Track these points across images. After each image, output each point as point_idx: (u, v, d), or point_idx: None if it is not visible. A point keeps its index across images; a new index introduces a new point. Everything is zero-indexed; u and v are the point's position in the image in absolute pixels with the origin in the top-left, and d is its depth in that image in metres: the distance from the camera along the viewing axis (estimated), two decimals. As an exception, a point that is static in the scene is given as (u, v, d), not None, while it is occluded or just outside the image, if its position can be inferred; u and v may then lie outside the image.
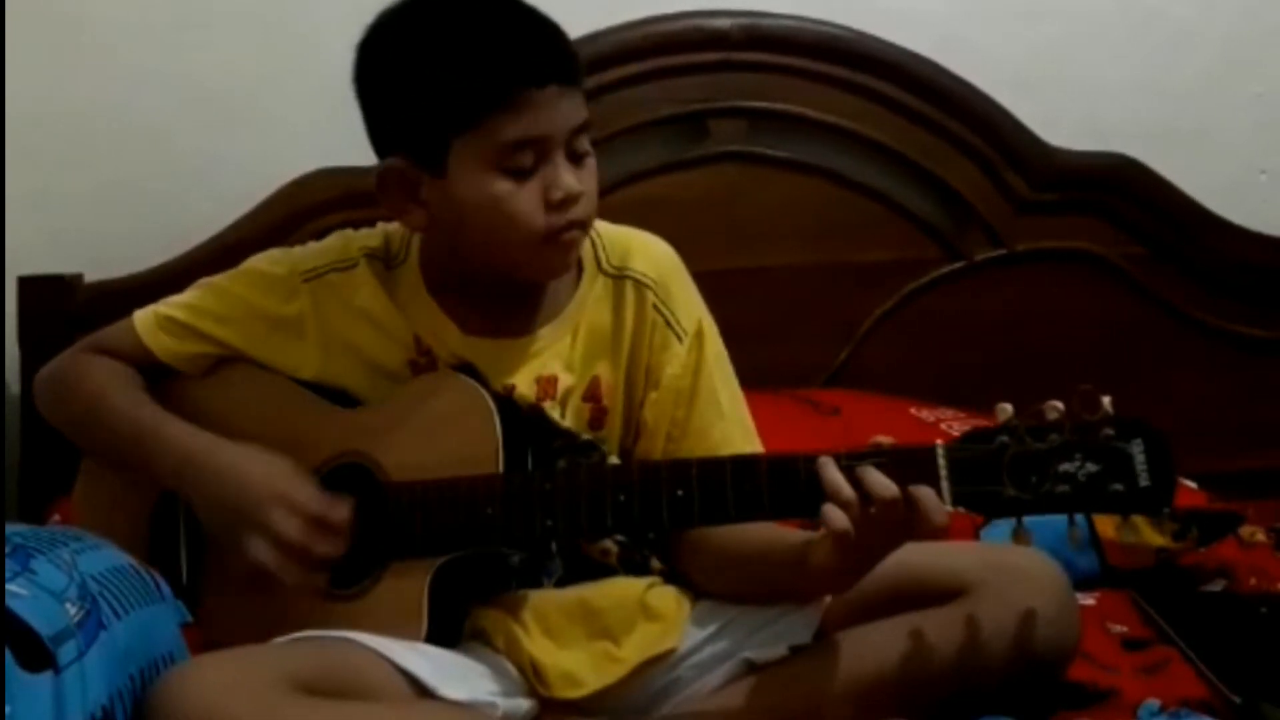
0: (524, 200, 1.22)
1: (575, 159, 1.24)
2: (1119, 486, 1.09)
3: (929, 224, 2.02)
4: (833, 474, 1.12)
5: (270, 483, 1.24)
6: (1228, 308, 2.02)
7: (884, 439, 1.15)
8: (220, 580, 1.32)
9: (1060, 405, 1.11)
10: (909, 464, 1.12)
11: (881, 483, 1.11)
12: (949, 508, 1.11)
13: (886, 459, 1.12)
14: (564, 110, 1.22)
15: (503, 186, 1.21)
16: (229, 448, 1.28)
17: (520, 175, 1.21)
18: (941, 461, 1.12)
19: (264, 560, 1.21)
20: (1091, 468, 1.10)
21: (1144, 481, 1.09)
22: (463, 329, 1.32)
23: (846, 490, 1.11)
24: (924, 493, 1.10)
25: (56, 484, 1.70)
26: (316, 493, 1.24)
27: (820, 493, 1.12)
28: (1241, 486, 1.82)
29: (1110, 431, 1.10)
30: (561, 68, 1.23)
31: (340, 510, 1.24)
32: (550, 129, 1.21)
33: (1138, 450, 1.10)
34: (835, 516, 1.11)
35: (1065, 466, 1.10)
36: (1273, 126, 2.07)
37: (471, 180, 1.22)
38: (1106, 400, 1.10)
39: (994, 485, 1.11)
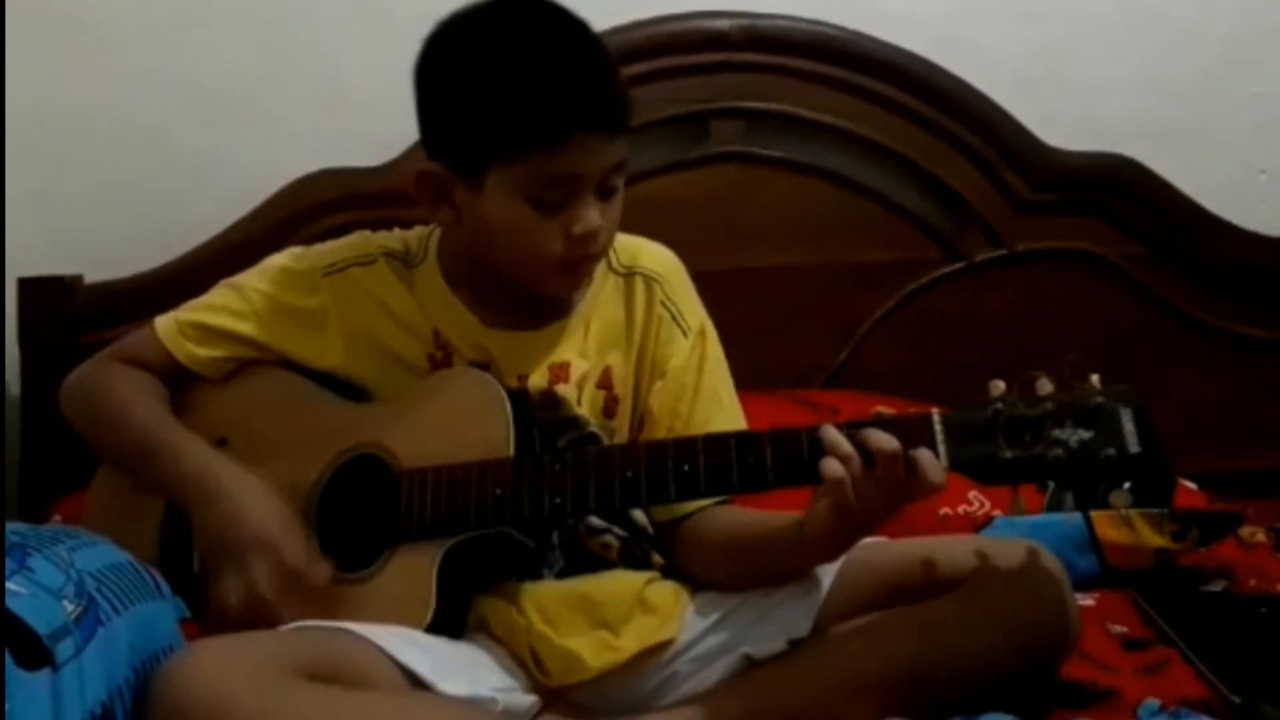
0: (546, 231, 1.26)
1: (605, 193, 1.28)
2: (1110, 451, 1.11)
3: (929, 224, 2.02)
4: (833, 432, 1.15)
5: (263, 526, 1.26)
6: (1228, 308, 2.02)
7: (884, 410, 1.17)
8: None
9: (1051, 378, 1.13)
10: (906, 430, 1.15)
11: (883, 438, 1.13)
12: (945, 467, 1.13)
13: (885, 427, 1.15)
14: (605, 154, 1.26)
15: (530, 215, 1.26)
16: (235, 477, 1.29)
17: (548, 208, 1.25)
18: (938, 426, 1.15)
19: (230, 602, 1.23)
20: (1084, 434, 1.12)
21: (1134, 448, 1.11)
22: (481, 322, 1.35)
23: (845, 445, 1.14)
24: (922, 453, 1.13)
25: (57, 484, 1.71)
26: (304, 547, 1.26)
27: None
28: (1241, 486, 1.81)
29: (1100, 399, 1.12)
30: (611, 117, 1.26)
31: (321, 572, 1.26)
32: (587, 171, 1.25)
33: (1127, 417, 1.12)
34: (833, 466, 1.14)
35: (1058, 432, 1.12)
36: (1272, 126, 2.07)
37: (502, 203, 1.26)
38: (1095, 377, 1.13)
39: (989, 447, 1.13)
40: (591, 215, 1.25)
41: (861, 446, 1.14)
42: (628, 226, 1.45)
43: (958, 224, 2.03)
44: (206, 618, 1.27)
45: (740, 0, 2.00)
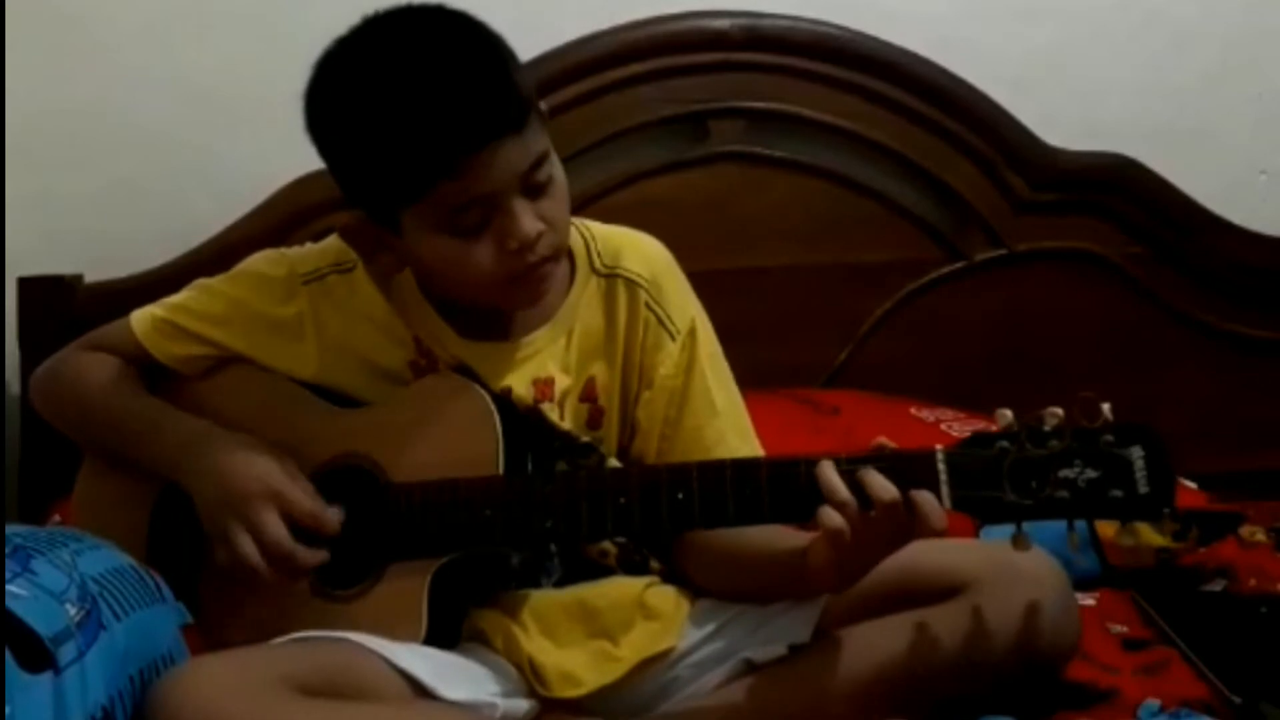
0: (479, 256, 1.20)
1: (536, 191, 1.20)
2: (1118, 493, 1.10)
3: (929, 224, 2.02)
4: (830, 475, 1.12)
5: (266, 480, 1.23)
6: (1228, 308, 2.02)
7: (886, 442, 1.15)
8: (219, 581, 1.31)
9: (1060, 412, 1.11)
10: (909, 468, 1.12)
11: (882, 485, 1.11)
12: (948, 508, 1.12)
13: (886, 463, 1.13)
14: (508, 161, 1.17)
15: (455, 247, 1.20)
16: (228, 439, 1.28)
17: (471, 233, 1.19)
18: (941, 466, 1.12)
19: (247, 556, 1.21)
20: (1091, 474, 1.10)
21: (1143, 488, 1.09)
22: (459, 332, 1.32)
23: (842, 491, 1.11)
24: (924, 497, 1.11)
25: (56, 484, 1.70)
26: (311, 496, 1.24)
27: (819, 496, 1.12)
28: (1241, 486, 1.81)
29: (1110, 438, 1.10)
30: (500, 121, 1.16)
31: (331, 518, 1.24)
32: (494, 185, 1.17)
33: (1137, 456, 1.10)
34: (829, 516, 1.11)
35: (1065, 472, 1.10)
36: (1273, 126, 2.07)
37: (425, 242, 1.22)
38: (1106, 407, 1.10)
39: (994, 490, 1.11)
40: (522, 224, 1.18)
41: (859, 488, 1.12)
42: (628, 225, 1.46)
43: (958, 224, 2.03)
44: (207, 582, 1.25)
45: (741, 0, 2.00)
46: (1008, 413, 1.13)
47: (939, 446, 1.13)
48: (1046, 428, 1.11)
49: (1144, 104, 2.05)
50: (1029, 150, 2.00)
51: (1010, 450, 1.11)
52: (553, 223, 1.21)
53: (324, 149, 1.25)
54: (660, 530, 1.27)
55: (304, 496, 1.24)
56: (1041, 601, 1.20)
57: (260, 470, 1.24)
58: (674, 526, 1.23)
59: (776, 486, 1.16)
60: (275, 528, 1.21)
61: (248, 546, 1.21)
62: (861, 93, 1.99)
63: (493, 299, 1.27)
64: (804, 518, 1.15)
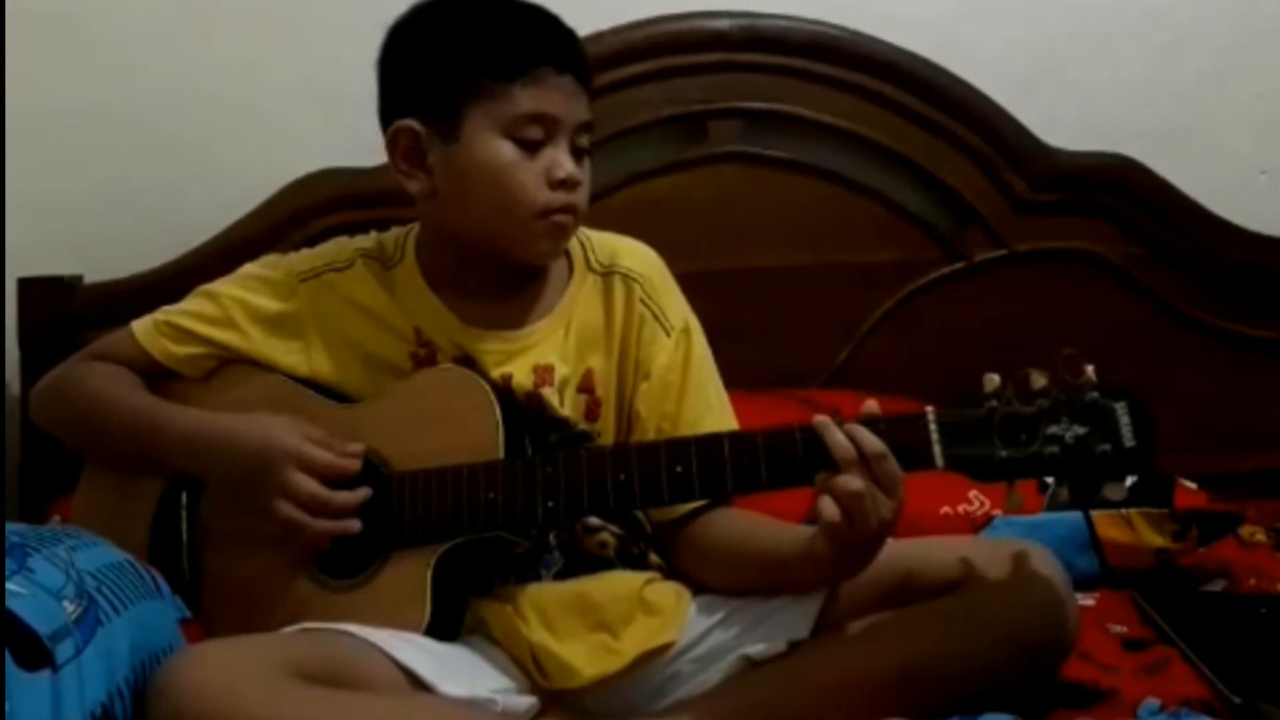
0: (528, 172, 1.28)
1: (576, 154, 1.30)
2: (1106, 447, 1.12)
3: (929, 224, 2.02)
4: (832, 430, 1.15)
5: (281, 443, 1.26)
6: (1228, 308, 2.02)
7: (874, 407, 1.17)
8: (222, 581, 1.33)
9: (1045, 372, 1.13)
10: (901, 428, 1.14)
11: (869, 440, 1.14)
12: (940, 468, 1.14)
13: (878, 426, 1.15)
14: (576, 102, 1.30)
15: (511, 154, 1.28)
16: (229, 419, 1.31)
17: (528, 148, 1.28)
18: (932, 425, 1.14)
19: (290, 517, 1.24)
20: (1079, 429, 1.12)
21: (1129, 442, 1.12)
22: (461, 321, 1.35)
23: (851, 451, 1.13)
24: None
25: (56, 484, 1.70)
26: (323, 444, 1.27)
27: (816, 461, 1.15)
28: (1241, 486, 1.81)
29: (1095, 395, 1.12)
30: (580, 66, 1.31)
31: (349, 461, 1.27)
32: (562, 112, 1.28)
33: (1122, 412, 1.12)
34: (829, 508, 1.13)
35: (1053, 429, 1.13)
36: (1273, 126, 2.07)
37: (482, 145, 1.28)
38: (1090, 368, 1.13)
39: (985, 447, 1.13)
40: (570, 162, 1.29)
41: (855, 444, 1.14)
42: (627, 227, 1.46)
43: (958, 224, 2.03)
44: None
45: (740, 0, 2.00)
46: (995, 376, 1.15)
47: (929, 407, 1.16)
48: (1034, 387, 1.13)
49: (1144, 104, 2.05)
50: (1029, 150, 2.00)
51: (999, 408, 1.13)
52: (586, 187, 1.31)
53: (405, 50, 1.31)
54: (661, 504, 1.29)
55: (317, 447, 1.26)
56: (1037, 599, 1.20)
57: (272, 437, 1.27)
58: (674, 499, 1.25)
59: (773, 454, 1.18)
60: (303, 483, 1.24)
61: (287, 509, 1.24)
62: (861, 93, 1.99)
63: (517, 232, 1.30)
64: (801, 484, 1.17)
